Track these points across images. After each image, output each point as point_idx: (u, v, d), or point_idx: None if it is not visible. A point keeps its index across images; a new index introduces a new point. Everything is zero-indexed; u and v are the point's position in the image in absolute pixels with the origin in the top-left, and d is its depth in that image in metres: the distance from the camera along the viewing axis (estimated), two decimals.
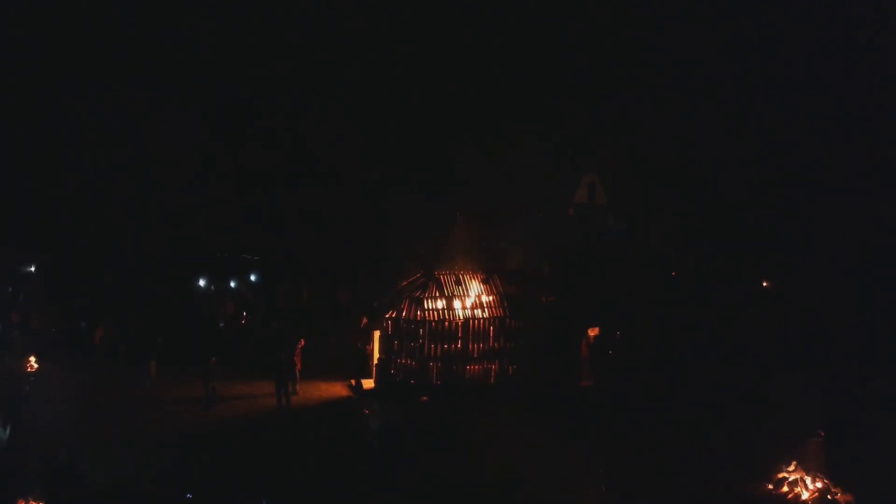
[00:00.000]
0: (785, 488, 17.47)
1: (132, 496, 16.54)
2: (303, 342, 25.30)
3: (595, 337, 26.10)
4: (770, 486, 17.63)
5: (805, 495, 17.19)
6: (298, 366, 24.83)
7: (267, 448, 19.76)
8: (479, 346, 25.33)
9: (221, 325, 32.18)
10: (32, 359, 26.05)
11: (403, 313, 25.23)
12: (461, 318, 25.21)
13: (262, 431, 21.19)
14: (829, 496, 17.05)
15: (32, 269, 37.37)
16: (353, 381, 25.65)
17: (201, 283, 37.53)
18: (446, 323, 25.08)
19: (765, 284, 32.30)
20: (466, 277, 25.97)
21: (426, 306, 25.11)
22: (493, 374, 25.46)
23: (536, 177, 25.25)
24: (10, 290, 33.92)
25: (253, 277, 39.49)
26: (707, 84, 32.30)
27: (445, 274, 25.93)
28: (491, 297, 25.77)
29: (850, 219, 29.51)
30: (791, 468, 17.67)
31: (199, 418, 22.18)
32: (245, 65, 39.16)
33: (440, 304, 25.29)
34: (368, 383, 25.65)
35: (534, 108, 24.78)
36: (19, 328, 29.52)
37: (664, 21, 32.98)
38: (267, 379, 24.89)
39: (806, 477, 17.41)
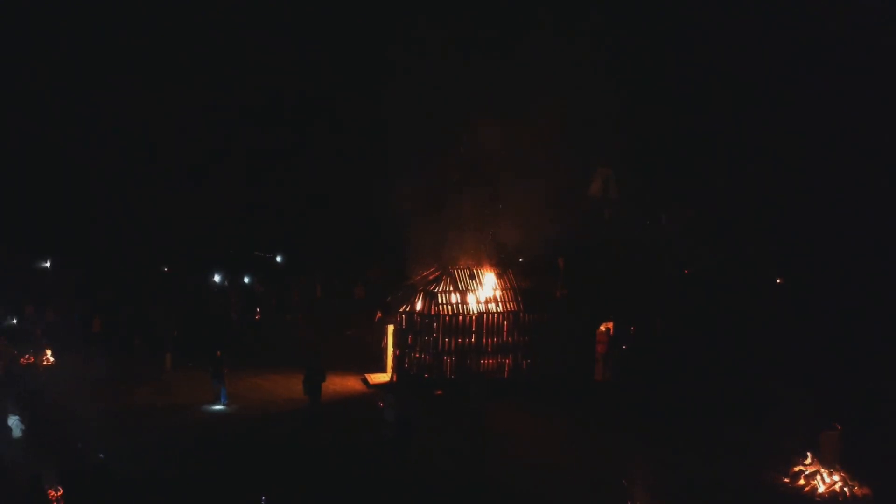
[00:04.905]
0: (801, 481, 17.43)
1: (151, 485, 16.60)
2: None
3: (608, 331, 26.07)
4: (786, 479, 17.60)
5: (821, 488, 17.14)
6: None
7: (281, 440, 19.85)
8: (493, 341, 25.30)
9: (234, 316, 32.35)
10: (48, 352, 26.27)
11: (417, 307, 25.25)
12: (475, 312, 25.20)
13: (276, 423, 21.24)
14: (845, 489, 16.98)
15: (48, 264, 37.68)
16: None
17: (215, 278, 37.74)
18: (460, 317, 25.07)
19: (778, 281, 32.22)
20: (480, 271, 25.97)
21: (440, 300, 25.11)
22: (507, 368, 25.45)
23: (551, 170, 25.18)
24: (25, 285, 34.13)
25: (266, 273, 39.70)
26: (721, 79, 32.20)
27: (459, 268, 25.93)
28: (505, 292, 25.77)
29: (866, 213, 29.40)
30: (808, 461, 17.63)
31: (212, 410, 22.25)
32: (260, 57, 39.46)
33: (454, 298, 25.28)
34: (381, 377, 25.72)
35: (547, 99, 24.68)
36: (34, 321, 29.71)
37: (678, 16, 32.93)
38: (278, 373, 25.59)
39: (822, 470, 17.36)
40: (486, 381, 22.42)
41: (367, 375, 25.90)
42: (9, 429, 19.13)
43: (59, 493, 15.67)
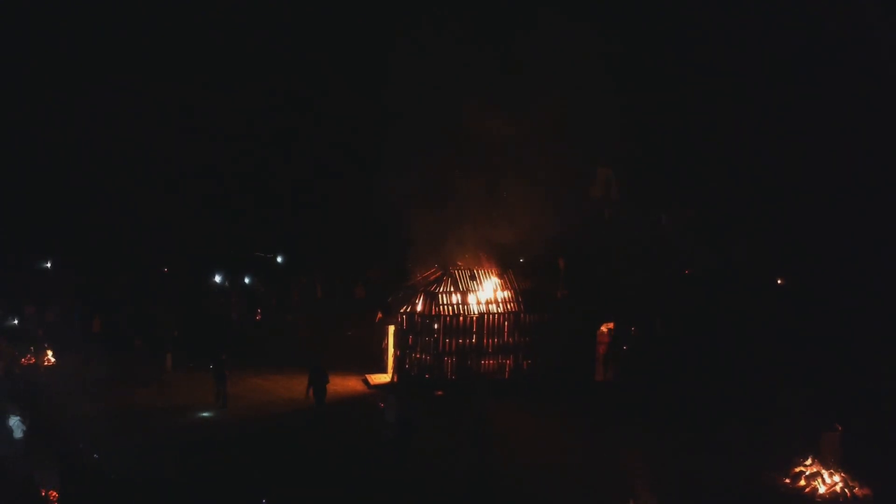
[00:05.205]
0: (802, 482, 17.40)
1: (148, 487, 16.59)
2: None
3: (610, 332, 26.07)
4: (787, 480, 17.57)
5: (822, 489, 17.12)
6: None
7: (282, 441, 19.86)
8: (493, 341, 25.33)
9: (235, 317, 32.36)
10: (49, 352, 26.31)
11: (418, 308, 25.27)
12: (476, 312, 25.21)
13: (276, 424, 21.25)
14: (846, 490, 16.97)
15: (48, 264, 37.73)
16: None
17: (216, 278, 37.78)
18: (461, 318, 25.08)
19: (779, 281, 32.20)
20: (481, 272, 25.98)
21: (441, 301, 25.11)
22: (507, 368, 25.46)
23: (552, 170, 25.21)
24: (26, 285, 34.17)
25: (266, 273, 39.76)
26: (721, 78, 32.18)
27: (460, 269, 25.94)
28: (506, 292, 25.78)
29: (866, 213, 29.37)
30: (808, 462, 17.60)
31: (215, 411, 22.25)
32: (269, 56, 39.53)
33: (455, 298, 25.29)
34: (382, 378, 25.74)
35: (547, 99, 24.71)
36: (35, 321, 29.75)
37: (678, 16, 32.91)
38: (278, 373, 25.84)
39: (823, 471, 17.33)
40: (489, 383, 22.38)
41: (367, 376, 25.92)
42: (10, 429, 19.12)
43: (57, 495, 15.65)
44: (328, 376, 21.77)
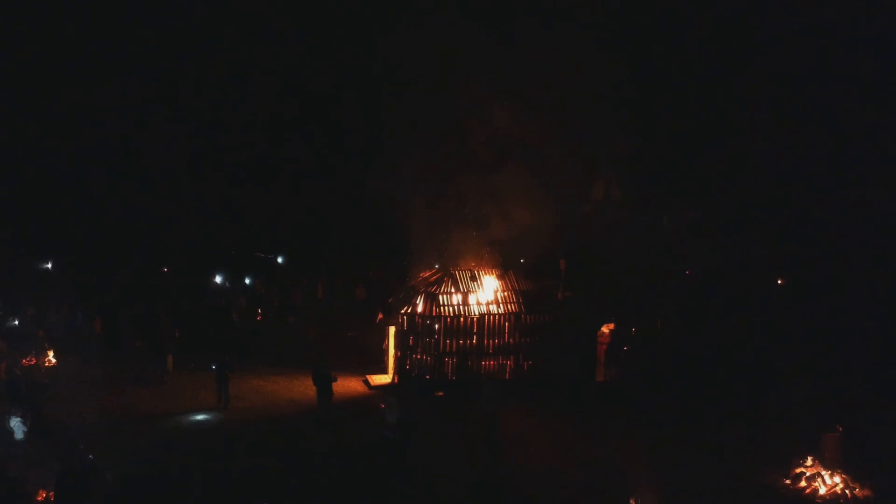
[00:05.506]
0: (802, 483, 17.41)
1: (148, 488, 16.60)
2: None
3: (610, 332, 26.07)
4: (787, 481, 17.58)
5: (823, 490, 17.13)
6: None
7: (284, 441, 19.86)
8: (494, 342, 25.31)
9: (236, 318, 32.37)
10: (51, 353, 26.32)
11: (419, 309, 25.25)
12: (476, 313, 25.20)
13: (277, 426, 21.26)
14: (847, 491, 16.99)
15: (49, 265, 37.76)
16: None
17: (217, 279, 37.80)
18: (462, 318, 25.07)
19: (780, 281, 32.24)
20: (482, 273, 25.98)
21: (441, 302, 25.11)
22: (508, 369, 25.45)
23: (553, 171, 25.23)
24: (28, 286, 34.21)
25: (268, 274, 39.80)
26: (723, 80, 32.23)
27: (461, 269, 25.94)
28: (506, 293, 25.77)
29: (867, 214, 29.43)
30: (809, 463, 17.62)
31: (216, 412, 22.25)
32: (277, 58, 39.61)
33: (455, 299, 25.28)
34: (383, 379, 25.74)
35: (549, 102, 24.71)
36: (36, 323, 29.75)
37: (678, 18, 32.94)
38: (279, 374, 25.83)
39: (824, 472, 17.35)
40: (498, 384, 22.21)
41: (368, 377, 25.90)
42: (11, 430, 19.14)
43: (51, 496, 15.63)
44: (333, 376, 21.68)
